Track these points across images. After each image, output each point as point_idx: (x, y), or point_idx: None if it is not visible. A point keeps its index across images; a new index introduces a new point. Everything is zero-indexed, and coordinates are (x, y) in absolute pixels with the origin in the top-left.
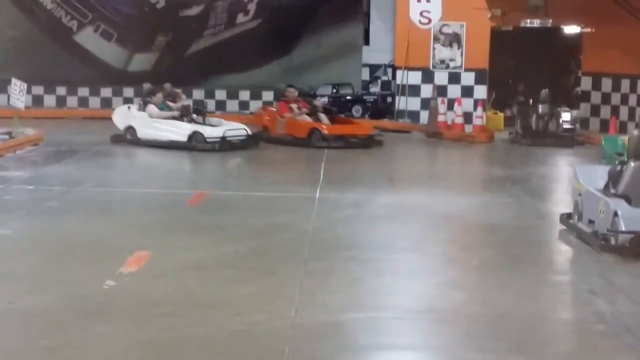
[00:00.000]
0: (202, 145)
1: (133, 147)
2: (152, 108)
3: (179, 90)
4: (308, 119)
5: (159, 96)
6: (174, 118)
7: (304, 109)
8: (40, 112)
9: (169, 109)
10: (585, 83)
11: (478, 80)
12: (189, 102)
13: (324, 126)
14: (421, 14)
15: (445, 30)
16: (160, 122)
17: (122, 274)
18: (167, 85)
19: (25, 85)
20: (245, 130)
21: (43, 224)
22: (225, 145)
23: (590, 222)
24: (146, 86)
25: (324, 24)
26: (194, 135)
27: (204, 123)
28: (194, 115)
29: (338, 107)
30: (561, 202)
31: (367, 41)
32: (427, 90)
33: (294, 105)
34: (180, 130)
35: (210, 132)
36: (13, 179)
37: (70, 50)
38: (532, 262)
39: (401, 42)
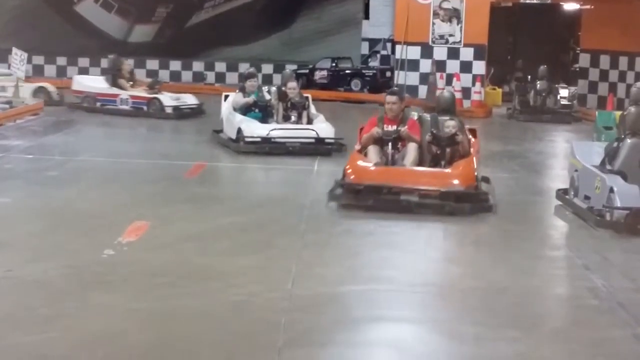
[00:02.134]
0: (240, 146)
1: (136, 118)
2: (236, 97)
3: (292, 76)
4: (373, 151)
5: (251, 83)
6: (247, 108)
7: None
8: (41, 82)
9: (262, 99)
10: (584, 60)
11: (477, 56)
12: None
13: (349, 171)
14: None
15: (445, 5)
16: (234, 114)
17: (120, 244)
18: (287, 72)
19: (25, 55)
20: (316, 132)
21: (43, 193)
22: (266, 148)
23: (586, 198)
24: (246, 71)
25: None
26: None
27: (296, 121)
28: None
29: (337, 81)
30: (557, 178)
31: (367, 15)
32: (426, 65)
33: (385, 128)
34: (232, 125)
35: (251, 130)
36: (13, 147)
37: (71, 21)
38: (527, 238)
39: (401, 17)
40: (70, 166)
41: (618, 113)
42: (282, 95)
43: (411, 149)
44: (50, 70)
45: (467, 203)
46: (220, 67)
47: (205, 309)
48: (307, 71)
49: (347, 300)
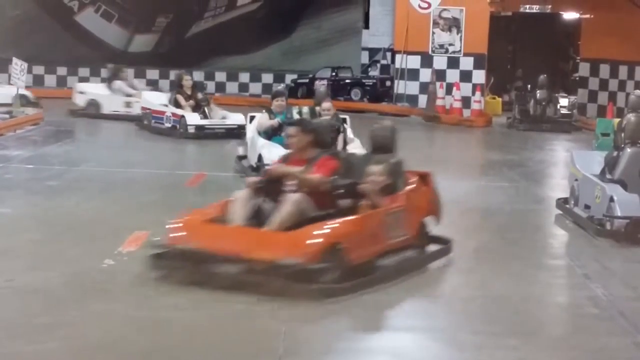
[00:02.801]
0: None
1: (136, 129)
2: (261, 119)
3: (327, 96)
4: (239, 202)
5: (278, 103)
6: (273, 132)
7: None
8: (41, 92)
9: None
10: (583, 69)
11: (477, 65)
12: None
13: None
14: None
15: (445, 14)
16: (258, 138)
17: (120, 254)
18: (322, 91)
19: (26, 65)
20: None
21: (43, 202)
22: None
23: (587, 207)
24: (274, 89)
25: (324, 7)
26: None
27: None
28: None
29: (337, 91)
30: (558, 187)
31: (366, 25)
32: (425, 75)
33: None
34: (254, 151)
35: (272, 156)
36: (13, 158)
37: (71, 31)
38: (527, 246)
39: (401, 26)
40: (70, 176)
41: (617, 120)
42: (314, 117)
43: (288, 202)
44: (50, 80)
45: (303, 282)
46: (220, 76)
47: (206, 318)
48: (307, 81)
49: (348, 308)
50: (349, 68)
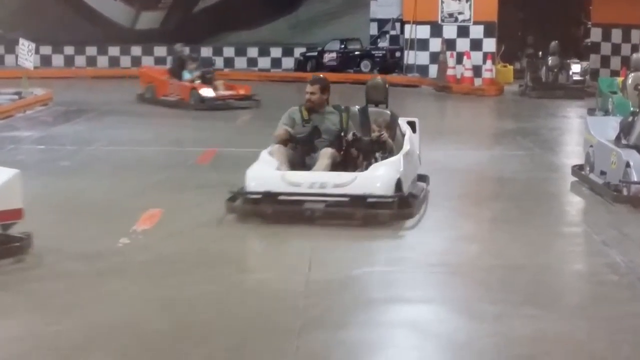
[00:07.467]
0: None
1: (144, 106)
2: None
3: None
4: None
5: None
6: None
7: None
8: (49, 72)
9: None
10: (595, 34)
11: (487, 33)
12: None
13: None
14: None
15: None
16: None
17: (135, 232)
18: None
19: (33, 46)
20: None
21: (56, 183)
22: None
23: (602, 173)
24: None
25: None
26: None
27: None
28: None
29: (346, 63)
30: (572, 154)
31: None
32: (435, 44)
33: None
34: None
35: None
36: (24, 139)
37: (77, 9)
38: (544, 214)
39: None
40: (82, 156)
41: (620, 79)
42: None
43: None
44: (57, 60)
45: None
46: (229, 51)
47: (222, 296)
48: (316, 54)
49: (365, 282)
50: (358, 40)
